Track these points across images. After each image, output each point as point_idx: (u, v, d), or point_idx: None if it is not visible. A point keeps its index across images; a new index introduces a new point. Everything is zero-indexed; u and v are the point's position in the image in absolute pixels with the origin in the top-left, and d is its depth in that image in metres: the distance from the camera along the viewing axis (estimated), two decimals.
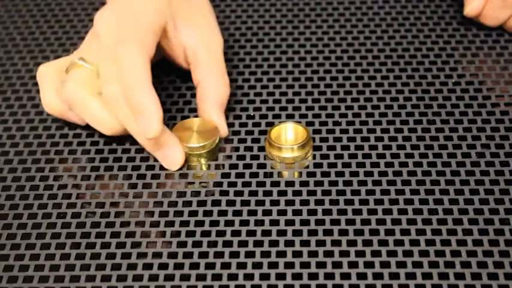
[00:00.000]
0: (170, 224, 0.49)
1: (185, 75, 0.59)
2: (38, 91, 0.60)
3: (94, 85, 0.53)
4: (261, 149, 0.54)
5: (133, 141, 0.55)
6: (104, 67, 0.52)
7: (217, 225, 0.49)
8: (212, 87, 0.55)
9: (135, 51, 0.50)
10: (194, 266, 0.47)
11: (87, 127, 0.56)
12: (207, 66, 0.55)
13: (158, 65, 0.60)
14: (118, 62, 0.50)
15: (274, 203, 0.50)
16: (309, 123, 0.56)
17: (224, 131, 0.54)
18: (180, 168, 0.53)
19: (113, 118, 0.52)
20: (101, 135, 0.56)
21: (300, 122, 0.55)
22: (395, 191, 0.51)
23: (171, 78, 0.60)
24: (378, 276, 0.46)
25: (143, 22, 0.52)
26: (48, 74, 0.55)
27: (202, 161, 0.53)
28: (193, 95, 0.58)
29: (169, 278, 0.46)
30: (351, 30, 0.64)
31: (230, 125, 0.56)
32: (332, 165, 0.53)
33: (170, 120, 0.57)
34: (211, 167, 0.53)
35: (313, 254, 0.47)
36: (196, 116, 0.56)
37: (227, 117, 0.56)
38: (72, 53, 0.57)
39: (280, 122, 0.55)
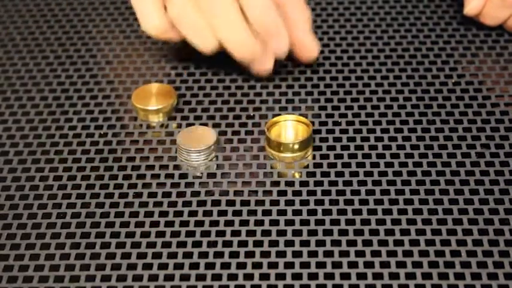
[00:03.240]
0: (170, 224, 0.49)
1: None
2: (38, 91, 0.59)
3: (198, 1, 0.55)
4: (261, 149, 0.54)
5: (133, 141, 0.55)
6: None
7: (217, 225, 0.49)
8: (300, 10, 0.58)
9: None
10: (194, 266, 0.47)
11: (87, 127, 0.56)
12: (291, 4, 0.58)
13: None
14: None
15: (274, 203, 0.50)
16: None
17: (314, 49, 0.59)
18: (180, 168, 0.53)
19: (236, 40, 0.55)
20: (101, 135, 0.56)
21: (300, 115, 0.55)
22: (395, 191, 0.51)
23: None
24: (377, 276, 0.46)
25: None
26: None
27: (161, 116, 0.57)
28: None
29: (169, 278, 0.46)
30: (350, 30, 0.64)
31: (230, 125, 0.56)
32: (332, 165, 0.53)
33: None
34: (211, 167, 0.53)
35: (313, 254, 0.47)
36: (156, 82, 0.60)
37: (227, 117, 0.56)
38: None
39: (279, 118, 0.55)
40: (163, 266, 0.47)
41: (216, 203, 0.50)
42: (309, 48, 0.59)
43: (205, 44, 0.56)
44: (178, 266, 0.47)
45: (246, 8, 0.54)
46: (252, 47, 0.55)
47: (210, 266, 0.47)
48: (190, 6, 0.55)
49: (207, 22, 0.55)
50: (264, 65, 0.57)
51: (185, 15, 0.55)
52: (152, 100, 0.57)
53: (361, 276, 0.46)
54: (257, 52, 0.56)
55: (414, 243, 0.47)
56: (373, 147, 0.54)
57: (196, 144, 0.53)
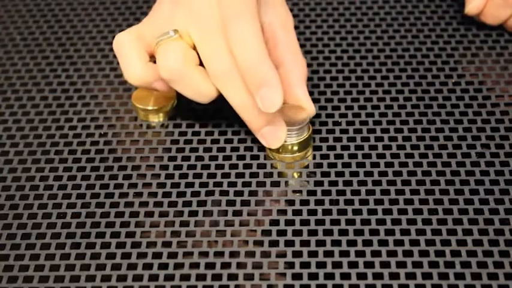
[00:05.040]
0: (170, 224, 0.49)
1: None
2: (38, 91, 0.60)
3: (190, 57, 0.52)
4: (261, 149, 0.54)
5: (133, 141, 0.55)
6: (211, 41, 0.51)
7: (217, 226, 0.49)
8: (297, 68, 0.53)
9: (253, 26, 0.49)
10: (194, 266, 0.47)
11: (87, 127, 0.56)
12: (287, 45, 0.54)
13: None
14: (236, 37, 0.49)
15: (274, 203, 0.50)
16: None
17: (312, 109, 0.53)
18: (180, 169, 0.53)
19: (214, 87, 0.51)
20: (101, 135, 0.56)
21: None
22: (395, 191, 0.51)
23: None
24: (377, 276, 0.46)
25: None
26: (133, 43, 0.53)
27: (161, 116, 0.56)
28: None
29: (169, 278, 0.46)
30: (350, 30, 0.64)
31: (230, 125, 0.56)
32: (332, 165, 0.53)
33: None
34: (211, 166, 0.53)
35: (313, 254, 0.47)
36: None
37: (227, 118, 0.56)
38: (143, 22, 0.54)
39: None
40: (163, 266, 0.47)
41: (216, 203, 0.50)
42: (304, 104, 0.53)
43: (204, 99, 0.53)
44: (178, 266, 0.47)
45: (237, 58, 0.49)
46: (212, 95, 0.52)
47: (210, 266, 0.47)
48: (186, 65, 0.51)
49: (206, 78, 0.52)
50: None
51: (181, 76, 0.52)
52: (152, 100, 0.57)
53: (361, 276, 0.46)
54: (213, 97, 0.52)
55: (414, 243, 0.47)
56: (373, 147, 0.54)
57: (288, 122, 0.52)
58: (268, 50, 0.51)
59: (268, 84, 0.48)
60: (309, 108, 0.53)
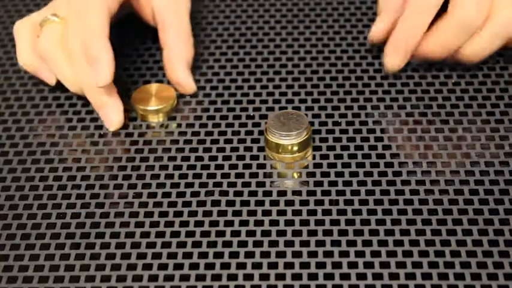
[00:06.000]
0: (170, 224, 0.49)
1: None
2: (37, 91, 0.60)
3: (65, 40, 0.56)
4: (261, 149, 0.54)
5: (133, 142, 0.55)
6: (70, 23, 0.56)
7: (216, 226, 0.49)
8: (179, 48, 0.58)
9: (98, 8, 0.54)
10: (194, 266, 0.47)
11: (86, 127, 0.56)
12: (174, 29, 0.58)
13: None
14: (81, 18, 0.55)
15: (274, 203, 0.50)
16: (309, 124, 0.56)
17: (191, 87, 0.58)
18: (180, 169, 0.53)
19: (76, 74, 0.56)
20: (101, 135, 0.56)
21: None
22: (395, 191, 0.51)
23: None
24: (377, 276, 0.46)
25: None
26: (24, 29, 0.59)
27: (161, 116, 0.57)
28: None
29: (168, 278, 0.46)
30: (350, 30, 0.64)
31: (229, 125, 0.56)
32: (332, 165, 0.53)
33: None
34: (211, 167, 0.53)
35: (312, 254, 0.47)
36: (157, 82, 0.60)
37: (226, 117, 0.56)
38: (38, 12, 0.59)
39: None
40: (163, 267, 0.47)
41: (216, 203, 0.50)
42: (183, 82, 0.58)
43: (70, 85, 0.57)
44: (178, 266, 0.47)
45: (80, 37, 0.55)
46: (74, 81, 0.57)
47: (209, 266, 0.47)
48: (57, 46, 0.56)
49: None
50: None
51: (51, 57, 0.57)
52: (152, 100, 0.57)
53: (361, 276, 0.46)
54: (78, 87, 0.57)
55: (414, 243, 0.47)
56: (373, 147, 0.54)
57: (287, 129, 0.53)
58: (159, 32, 0.59)
59: (98, 60, 0.53)
60: (187, 86, 0.58)
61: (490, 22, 0.55)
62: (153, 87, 0.58)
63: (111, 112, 0.56)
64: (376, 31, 0.58)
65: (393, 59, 0.57)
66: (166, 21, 0.58)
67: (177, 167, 0.53)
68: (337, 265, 0.46)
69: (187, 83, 0.58)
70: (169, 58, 0.58)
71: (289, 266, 0.47)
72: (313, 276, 0.46)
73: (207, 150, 0.54)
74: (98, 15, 0.54)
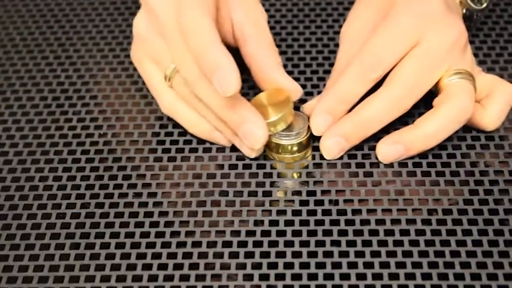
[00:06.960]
0: (169, 224, 0.49)
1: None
2: (37, 91, 0.60)
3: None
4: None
5: (133, 142, 0.55)
6: (175, 51, 0.50)
7: (216, 226, 0.49)
8: (265, 56, 0.52)
9: (199, 13, 0.48)
10: (193, 266, 0.47)
11: (86, 127, 0.56)
12: (255, 39, 0.53)
13: None
14: (184, 30, 0.48)
15: (274, 203, 0.50)
16: None
17: (297, 89, 0.52)
18: (180, 169, 0.53)
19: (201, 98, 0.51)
20: (100, 135, 0.56)
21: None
22: (395, 192, 0.51)
23: None
24: (377, 276, 0.46)
25: None
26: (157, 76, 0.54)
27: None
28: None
29: (168, 278, 0.46)
30: None
31: None
32: (332, 165, 0.53)
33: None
34: (211, 167, 0.53)
35: (312, 254, 0.47)
36: (256, 94, 0.54)
37: None
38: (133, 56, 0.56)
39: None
40: (162, 267, 0.47)
41: (216, 203, 0.50)
42: (286, 86, 0.52)
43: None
44: (178, 266, 0.47)
45: (189, 47, 0.49)
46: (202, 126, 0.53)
47: (209, 266, 0.47)
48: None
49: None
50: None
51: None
52: (269, 112, 0.52)
53: (361, 276, 0.46)
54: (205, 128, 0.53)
55: (414, 243, 0.47)
56: (372, 148, 0.54)
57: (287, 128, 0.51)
58: (240, 48, 0.53)
59: (220, 66, 0.46)
60: (291, 87, 0.52)
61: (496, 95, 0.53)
62: (262, 96, 0.52)
63: (254, 127, 0.49)
64: (306, 107, 0.55)
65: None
66: (246, 32, 0.53)
67: (177, 167, 0.53)
68: (337, 265, 0.46)
69: (291, 87, 0.52)
70: (259, 69, 0.52)
71: (289, 266, 0.47)
72: (313, 277, 0.46)
73: (207, 150, 0.54)
74: (203, 20, 0.48)
